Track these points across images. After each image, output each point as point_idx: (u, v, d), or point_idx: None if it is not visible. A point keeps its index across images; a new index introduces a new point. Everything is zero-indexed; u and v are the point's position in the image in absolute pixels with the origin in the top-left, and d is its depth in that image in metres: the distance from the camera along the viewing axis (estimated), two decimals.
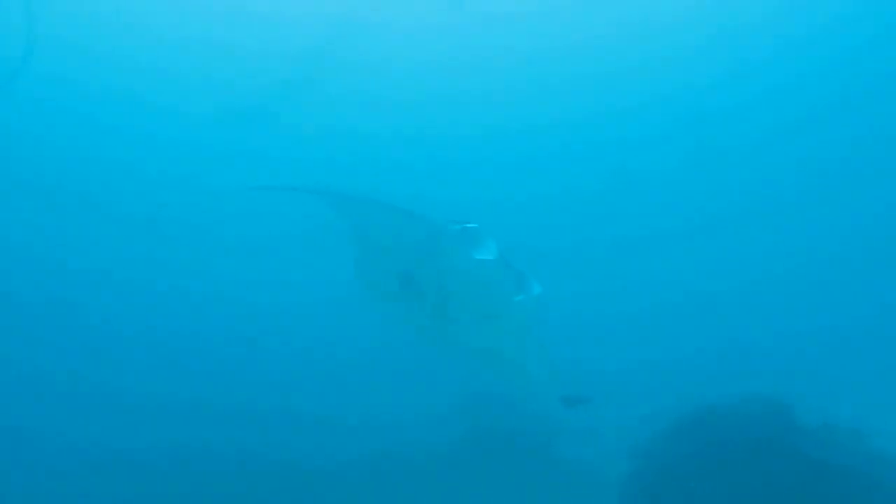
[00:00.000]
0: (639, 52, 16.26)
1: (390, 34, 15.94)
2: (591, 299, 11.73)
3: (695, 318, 11.86)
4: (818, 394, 7.44)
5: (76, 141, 15.45)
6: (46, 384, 9.63)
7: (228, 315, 11.49)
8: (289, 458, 8.31)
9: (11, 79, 13.64)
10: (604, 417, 7.74)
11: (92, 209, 13.96)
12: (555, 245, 12.94)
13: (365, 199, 6.06)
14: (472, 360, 6.85)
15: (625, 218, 14.86)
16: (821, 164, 15.26)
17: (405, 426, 8.69)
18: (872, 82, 15.40)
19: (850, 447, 6.58)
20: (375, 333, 8.56)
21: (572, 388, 6.17)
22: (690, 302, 12.39)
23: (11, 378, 9.65)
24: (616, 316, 11.73)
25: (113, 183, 14.78)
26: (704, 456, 6.65)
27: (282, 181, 14.77)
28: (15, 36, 13.12)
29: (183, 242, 13.45)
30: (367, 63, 16.32)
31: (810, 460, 6.44)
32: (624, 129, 16.72)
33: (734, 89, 16.42)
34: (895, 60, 15.25)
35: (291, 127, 16.47)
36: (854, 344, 10.92)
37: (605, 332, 10.97)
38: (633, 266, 13.56)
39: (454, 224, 5.71)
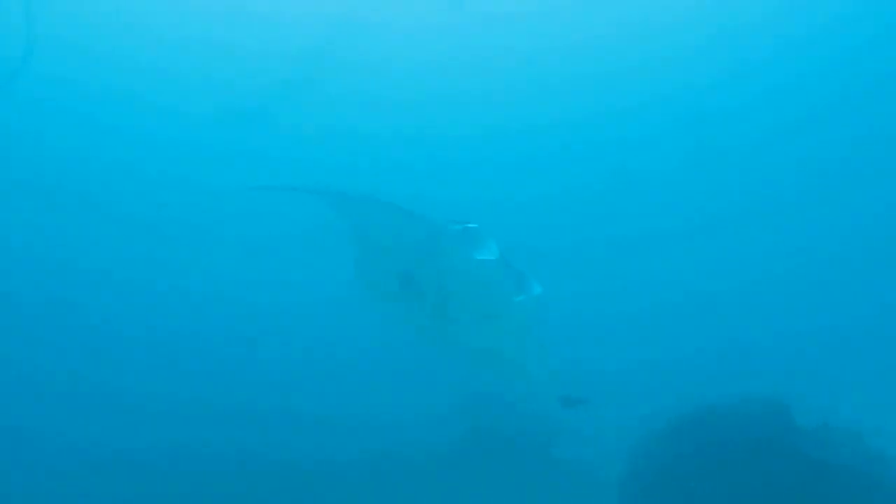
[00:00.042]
0: (639, 52, 16.28)
1: (390, 34, 15.96)
2: (591, 299, 11.74)
3: (695, 318, 11.87)
4: (818, 394, 7.46)
5: (76, 141, 15.46)
6: (46, 384, 9.63)
7: (228, 315, 11.49)
8: (289, 458, 8.30)
9: (11, 79, 13.63)
10: (603, 417, 7.73)
11: (92, 209, 13.96)
12: (555, 245, 12.95)
13: (365, 199, 6.05)
14: (472, 361, 6.84)
15: (625, 218, 14.87)
16: (821, 165, 15.28)
17: (405, 426, 8.69)
18: (872, 82, 15.42)
19: (849, 447, 6.57)
20: (375, 333, 8.56)
21: (572, 388, 6.16)
22: (690, 302, 12.40)
23: (11, 378, 9.66)
24: (616, 316, 11.74)
25: (113, 183, 14.79)
26: (704, 456, 6.63)
27: (282, 181, 14.73)
28: (15, 36, 13.10)
29: (183, 242, 13.45)
30: (367, 63, 16.33)
31: (810, 460, 6.43)
32: (624, 129, 16.74)
33: (734, 89, 16.44)
34: (895, 60, 15.26)
35: (291, 127, 16.48)
36: (853, 344, 10.95)
37: (605, 332, 10.98)
38: (632, 266, 13.57)
39: (454, 224, 5.71)
